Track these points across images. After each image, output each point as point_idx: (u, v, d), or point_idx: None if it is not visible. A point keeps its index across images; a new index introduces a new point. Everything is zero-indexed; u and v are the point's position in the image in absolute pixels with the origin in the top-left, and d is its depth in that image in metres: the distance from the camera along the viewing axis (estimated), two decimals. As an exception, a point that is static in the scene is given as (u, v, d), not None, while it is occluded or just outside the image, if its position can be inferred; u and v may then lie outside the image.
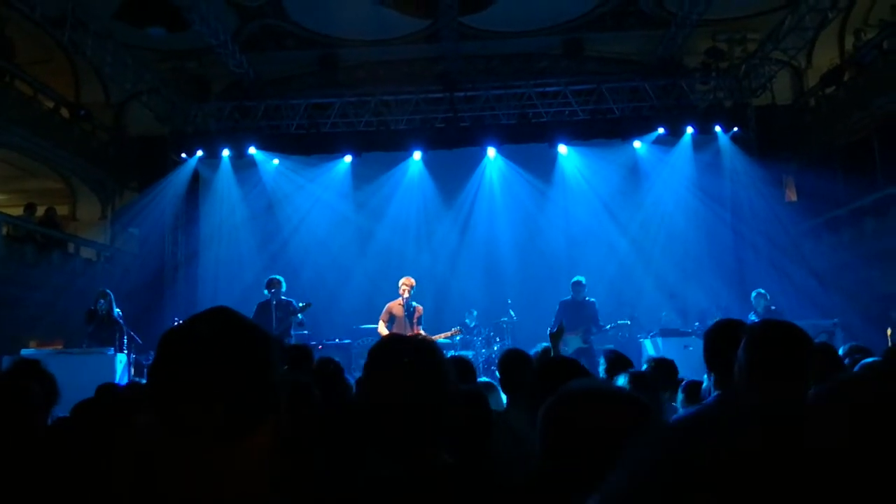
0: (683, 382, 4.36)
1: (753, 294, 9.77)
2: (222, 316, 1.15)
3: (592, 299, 10.22)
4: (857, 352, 5.16)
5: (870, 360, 4.29)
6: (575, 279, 10.19)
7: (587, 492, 1.35)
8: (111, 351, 9.03)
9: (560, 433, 1.41)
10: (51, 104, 13.52)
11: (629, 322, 11.52)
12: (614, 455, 1.33)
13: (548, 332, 5.51)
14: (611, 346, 8.33)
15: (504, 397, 4.03)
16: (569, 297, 10.16)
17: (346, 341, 11.75)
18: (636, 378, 3.50)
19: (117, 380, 8.60)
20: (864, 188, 12.13)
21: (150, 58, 13.52)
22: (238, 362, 1.09)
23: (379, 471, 1.49)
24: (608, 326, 10.37)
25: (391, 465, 1.49)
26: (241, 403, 1.07)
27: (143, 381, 7.44)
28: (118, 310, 9.79)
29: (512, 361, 4.00)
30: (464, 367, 4.60)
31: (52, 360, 6.45)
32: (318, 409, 2.11)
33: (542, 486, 1.41)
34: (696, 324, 11.09)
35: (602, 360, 4.58)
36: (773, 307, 9.37)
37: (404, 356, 1.60)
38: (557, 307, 10.11)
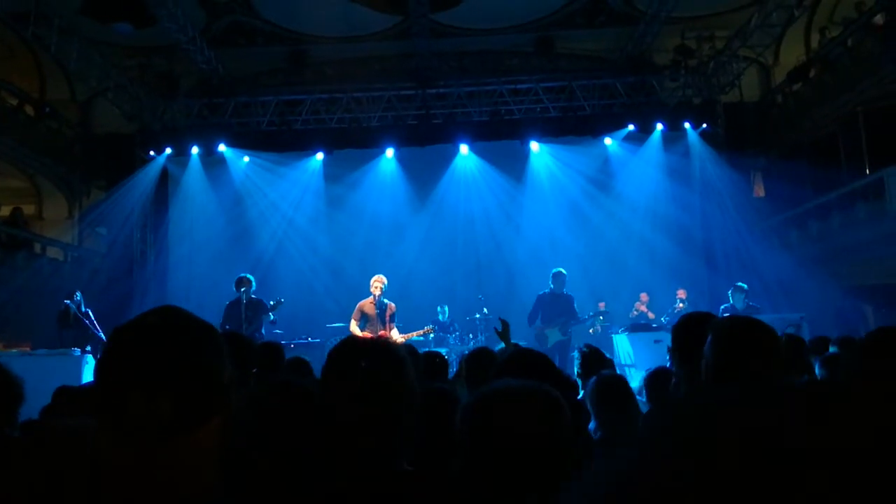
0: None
1: (731, 288, 9.42)
2: (172, 312, 1.16)
3: (569, 293, 10.10)
4: (821, 344, 5.25)
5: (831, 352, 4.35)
6: (555, 270, 9.89)
7: (507, 489, 1.36)
8: (77, 352, 8.88)
9: (477, 433, 1.43)
10: (14, 101, 13.26)
11: (603, 310, 11.63)
12: (529, 451, 1.35)
13: (494, 330, 5.29)
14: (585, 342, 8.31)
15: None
16: (546, 290, 9.90)
17: (317, 340, 11.64)
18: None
19: (84, 381, 8.46)
20: (830, 183, 12.32)
21: (116, 54, 13.30)
22: (185, 355, 1.08)
23: (330, 479, 1.45)
24: (586, 317, 10.51)
25: (344, 473, 1.46)
26: (187, 397, 1.06)
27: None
28: (87, 309, 9.64)
29: (477, 361, 3.95)
30: (435, 365, 4.55)
31: (16, 361, 6.31)
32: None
33: (464, 485, 1.41)
34: (665, 318, 11.18)
35: (577, 355, 4.51)
36: (751, 303, 9.19)
37: (362, 362, 1.54)
38: (535, 301, 9.84)
